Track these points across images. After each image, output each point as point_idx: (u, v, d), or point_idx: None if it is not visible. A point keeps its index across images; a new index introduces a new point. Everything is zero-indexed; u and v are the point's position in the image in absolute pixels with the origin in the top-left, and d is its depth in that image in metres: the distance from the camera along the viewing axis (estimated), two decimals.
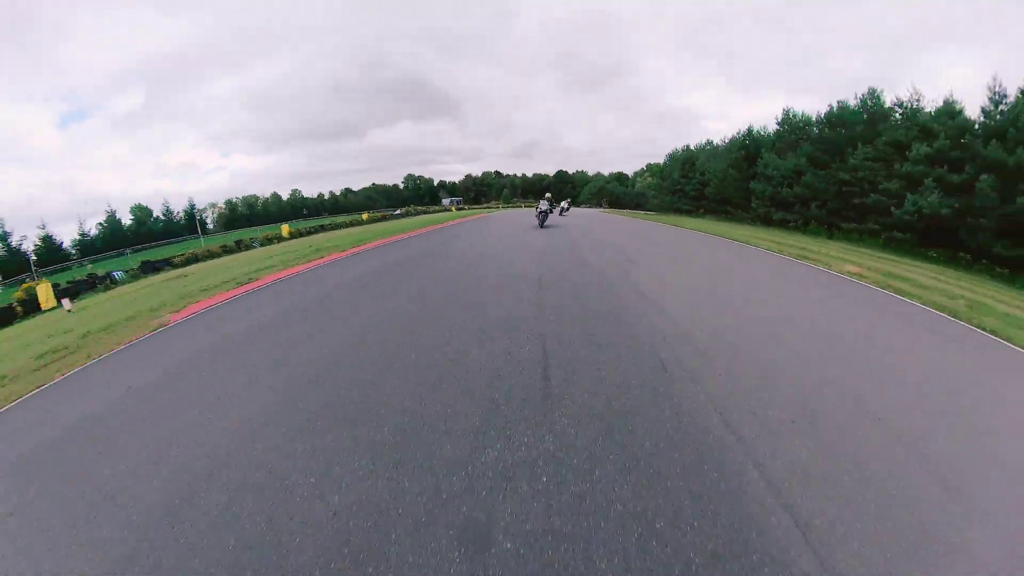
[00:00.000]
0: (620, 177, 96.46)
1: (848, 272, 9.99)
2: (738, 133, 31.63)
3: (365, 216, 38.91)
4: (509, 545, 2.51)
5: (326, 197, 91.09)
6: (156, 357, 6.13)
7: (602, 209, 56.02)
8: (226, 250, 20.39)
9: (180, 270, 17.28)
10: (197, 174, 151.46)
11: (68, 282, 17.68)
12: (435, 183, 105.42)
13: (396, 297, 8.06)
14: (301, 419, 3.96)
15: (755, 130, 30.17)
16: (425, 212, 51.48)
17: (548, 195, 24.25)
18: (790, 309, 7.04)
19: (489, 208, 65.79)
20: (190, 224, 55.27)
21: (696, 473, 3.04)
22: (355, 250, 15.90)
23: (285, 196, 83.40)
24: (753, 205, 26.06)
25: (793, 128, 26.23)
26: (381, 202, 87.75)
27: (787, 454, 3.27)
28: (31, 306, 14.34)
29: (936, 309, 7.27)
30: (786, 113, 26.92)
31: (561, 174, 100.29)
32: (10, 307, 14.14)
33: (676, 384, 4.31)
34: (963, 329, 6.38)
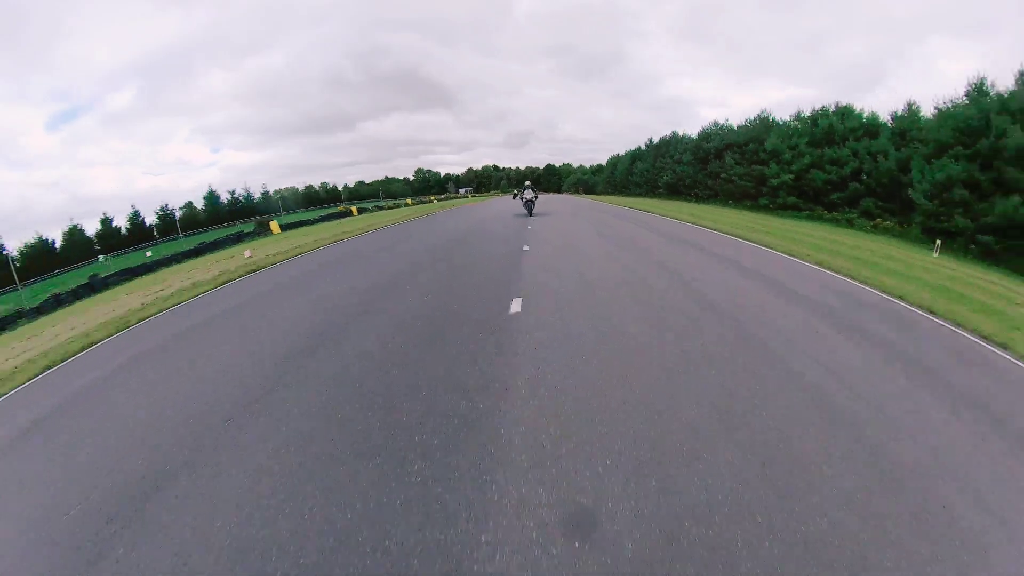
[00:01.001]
0: (599, 169, 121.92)
1: (602, 200, 36.40)
2: (626, 150, 58.19)
3: (434, 199, 64.99)
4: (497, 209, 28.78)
5: (340, 188, 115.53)
6: (433, 218, 32.39)
7: (574, 194, 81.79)
8: (395, 206, 46.23)
9: (389, 210, 43.48)
10: (190, 170, 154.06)
11: (359, 208, 43.63)
12: (442, 175, 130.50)
13: (487, 211, 34.47)
14: (475, 216, 30.24)
15: (640, 147, 56.58)
16: (457, 198, 77.47)
17: (528, 182, 27.20)
18: (570, 203, 33.40)
19: (491, 195, 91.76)
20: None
21: (515, 222, 29.39)
22: (461, 206, 42.21)
23: (301, 187, 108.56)
24: (631, 188, 52.61)
25: (652, 147, 52.53)
26: (408, 191, 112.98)
27: (545, 218, 29.63)
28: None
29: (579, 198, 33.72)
30: (649, 140, 53.38)
31: (550, 167, 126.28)
32: (345, 211, 40.44)
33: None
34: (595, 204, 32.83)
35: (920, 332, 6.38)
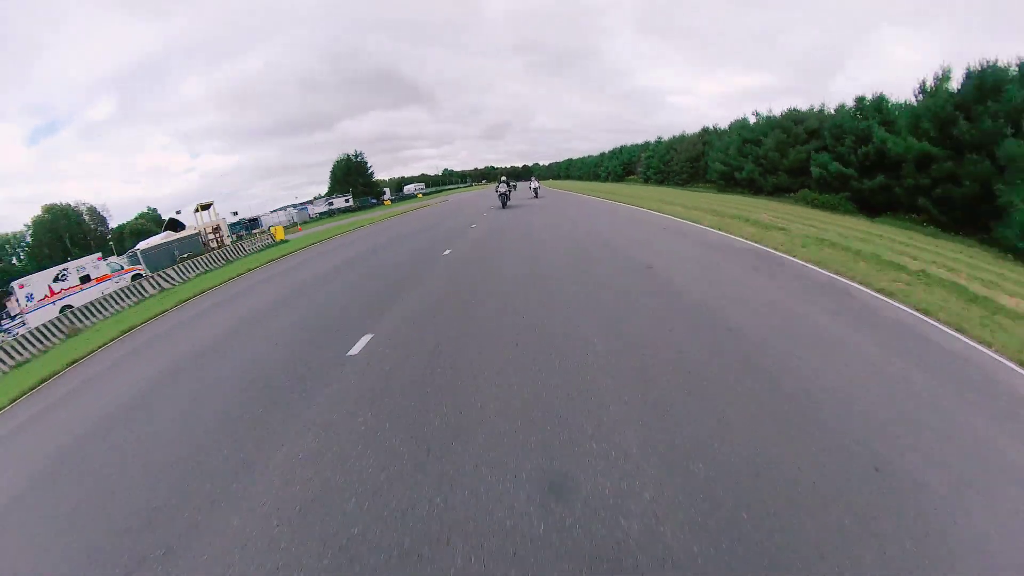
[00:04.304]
0: (554, 164, 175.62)
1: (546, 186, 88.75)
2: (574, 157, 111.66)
3: (469, 185, 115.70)
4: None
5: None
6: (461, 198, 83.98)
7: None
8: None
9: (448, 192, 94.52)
10: (168, 176, 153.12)
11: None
12: (460, 172, 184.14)
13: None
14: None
15: (593, 154, 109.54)
16: (478, 186, 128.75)
17: (504, 177, 27.54)
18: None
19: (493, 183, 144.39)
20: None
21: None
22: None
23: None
24: (571, 176, 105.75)
25: (587, 161, 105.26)
26: (455, 181, 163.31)
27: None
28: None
29: (547, 182, 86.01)
30: (581, 157, 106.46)
31: (525, 167, 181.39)
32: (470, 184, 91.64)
33: None
34: (553, 191, 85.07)
35: (589, 200, 58.59)
